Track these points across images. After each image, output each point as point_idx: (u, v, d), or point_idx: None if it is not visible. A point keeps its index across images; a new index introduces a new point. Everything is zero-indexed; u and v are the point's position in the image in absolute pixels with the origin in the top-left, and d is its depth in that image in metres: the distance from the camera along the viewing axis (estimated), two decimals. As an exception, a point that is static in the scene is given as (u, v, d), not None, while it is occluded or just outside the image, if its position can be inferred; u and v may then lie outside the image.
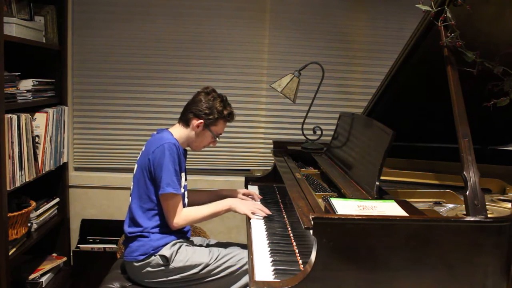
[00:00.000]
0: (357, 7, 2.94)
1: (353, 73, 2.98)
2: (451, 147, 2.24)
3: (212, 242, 2.17)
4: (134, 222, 1.93)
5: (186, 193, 2.06)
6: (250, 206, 1.95)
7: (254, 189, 2.42)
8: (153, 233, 1.90)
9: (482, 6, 1.55)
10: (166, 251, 1.88)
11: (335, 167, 2.07)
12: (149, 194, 1.90)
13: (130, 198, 1.98)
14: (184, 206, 2.02)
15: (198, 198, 2.26)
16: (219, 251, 1.94)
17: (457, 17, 1.49)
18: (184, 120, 2.01)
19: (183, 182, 1.98)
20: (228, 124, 2.08)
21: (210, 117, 1.97)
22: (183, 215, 1.90)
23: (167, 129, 2.03)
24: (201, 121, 1.97)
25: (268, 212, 1.92)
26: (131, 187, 1.99)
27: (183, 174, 1.99)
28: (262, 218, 1.88)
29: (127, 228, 1.95)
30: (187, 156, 2.08)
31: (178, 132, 2.01)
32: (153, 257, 1.87)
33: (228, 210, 1.96)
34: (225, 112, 2.00)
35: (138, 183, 1.93)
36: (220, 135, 2.08)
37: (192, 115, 1.98)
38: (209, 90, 2.02)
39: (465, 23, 1.49)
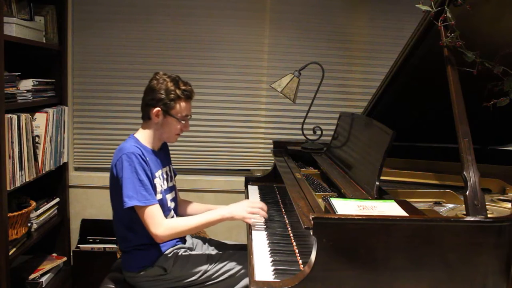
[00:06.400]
0: (357, 7, 2.94)
1: (353, 73, 2.98)
2: (451, 147, 2.25)
3: (212, 241, 2.16)
4: (123, 238, 1.85)
5: (174, 193, 2.00)
6: (247, 207, 1.79)
7: (254, 189, 2.42)
8: (147, 244, 1.81)
9: (482, 6, 1.55)
10: (163, 261, 1.82)
11: (335, 167, 2.06)
12: (124, 208, 1.77)
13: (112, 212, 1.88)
14: (169, 210, 1.93)
15: (190, 211, 2.15)
16: (217, 255, 1.90)
17: (457, 17, 1.49)
18: (145, 116, 1.89)
19: (159, 187, 1.86)
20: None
21: (166, 101, 1.82)
22: (167, 226, 1.74)
23: (133, 133, 1.92)
24: (158, 108, 1.83)
25: (266, 209, 1.81)
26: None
27: (157, 180, 1.85)
28: (262, 222, 1.80)
29: (119, 244, 1.89)
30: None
31: (143, 132, 1.90)
32: (150, 268, 1.81)
33: (222, 220, 1.79)
34: (178, 92, 1.83)
35: (113, 198, 1.84)
36: (189, 116, 1.91)
37: (149, 107, 1.85)
38: (157, 75, 1.86)
39: (465, 23, 1.49)
